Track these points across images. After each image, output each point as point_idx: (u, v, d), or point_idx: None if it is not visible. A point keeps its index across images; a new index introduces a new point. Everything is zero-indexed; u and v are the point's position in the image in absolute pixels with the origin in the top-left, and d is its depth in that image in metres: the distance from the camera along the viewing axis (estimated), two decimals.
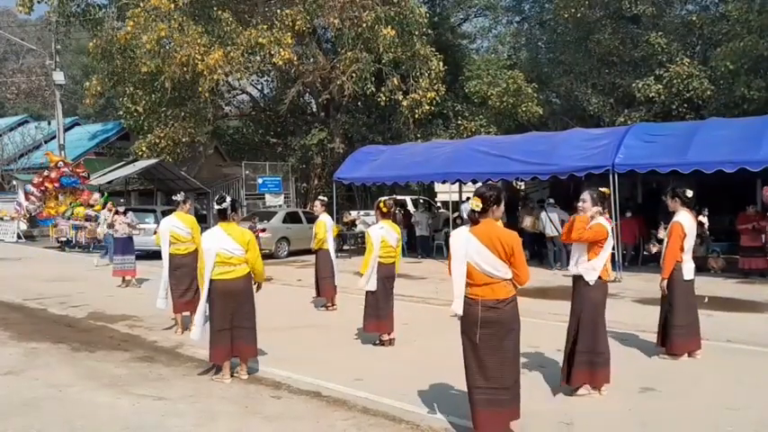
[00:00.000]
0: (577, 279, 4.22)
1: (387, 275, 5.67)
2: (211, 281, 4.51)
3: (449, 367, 3.52)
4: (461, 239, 3.33)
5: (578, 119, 17.71)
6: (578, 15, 16.62)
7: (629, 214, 11.03)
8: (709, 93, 15.41)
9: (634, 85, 16.03)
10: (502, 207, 3.37)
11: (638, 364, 4.96)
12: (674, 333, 5.00)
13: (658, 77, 15.78)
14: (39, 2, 17.30)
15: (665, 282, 5.05)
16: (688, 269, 5.03)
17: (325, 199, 8.34)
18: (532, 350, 5.15)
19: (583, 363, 4.11)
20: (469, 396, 3.40)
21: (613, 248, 4.29)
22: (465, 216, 14.40)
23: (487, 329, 3.28)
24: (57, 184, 16.61)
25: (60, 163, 17.62)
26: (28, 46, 25.43)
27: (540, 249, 11.83)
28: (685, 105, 15.88)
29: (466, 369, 3.41)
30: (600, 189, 4.28)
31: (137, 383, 4.55)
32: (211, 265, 4.49)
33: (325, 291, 7.56)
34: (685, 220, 5.01)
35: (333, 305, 7.56)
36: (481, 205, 3.29)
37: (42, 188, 16.66)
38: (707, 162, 9.30)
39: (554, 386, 4.37)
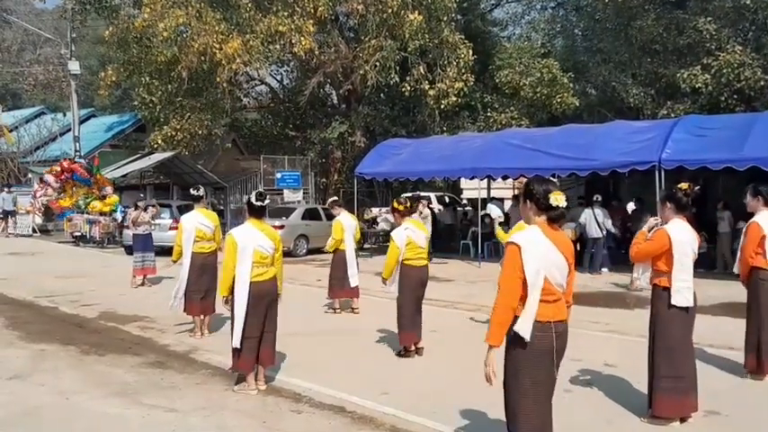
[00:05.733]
0: (653, 293, 3.84)
1: (419, 279, 5.36)
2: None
3: (485, 381, 3.22)
4: (542, 247, 2.73)
5: (616, 111, 17.07)
6: (618, 0, 15.99)
7: None
8: (762, 83, 14.66)
9: (679, 75, 15.32)
10: None
11: (702, 382, 4.56)
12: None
13: (706, 67, 15.05)
14: None
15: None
16: None
17: (336, 198, 8.19)
18: (575, 364, 4.80)
19: (663, 389, 3.72)
20: None
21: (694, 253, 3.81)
22: (494, 216, 13.97)
23: (559, 362, 2.82)
24: (68, 174, 16.77)
25: (78, 158, 17.83)
26: (45, 35, 25.91)
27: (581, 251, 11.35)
28: (735, 97, 15.13)
29: (524, 416, 2.77)
30: (678, 185, 3.83)
31: (147, 392, 4.39)
32: (250, 264, 4.25)
33: (334, 293, 7.43)
34: (766, 220, 4.58)
35: (351, 309, 7.41)
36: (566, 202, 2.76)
37: (62, 178, 16.84)
38: (766, 158, 8.78)
39: (600, 406, 4.04)
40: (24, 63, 34.55)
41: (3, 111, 21.19)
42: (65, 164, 16.87)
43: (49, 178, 16.86)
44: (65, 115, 23.99)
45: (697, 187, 3.97)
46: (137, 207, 9.69)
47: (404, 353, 5.36)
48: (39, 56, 35.45)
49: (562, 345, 2.80)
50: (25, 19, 30.19)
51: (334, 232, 7.39)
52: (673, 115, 14.57)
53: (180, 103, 17.53)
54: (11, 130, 22.00)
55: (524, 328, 2.70)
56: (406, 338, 5.33)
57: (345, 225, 7.39)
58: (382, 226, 15.63)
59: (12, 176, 21.18)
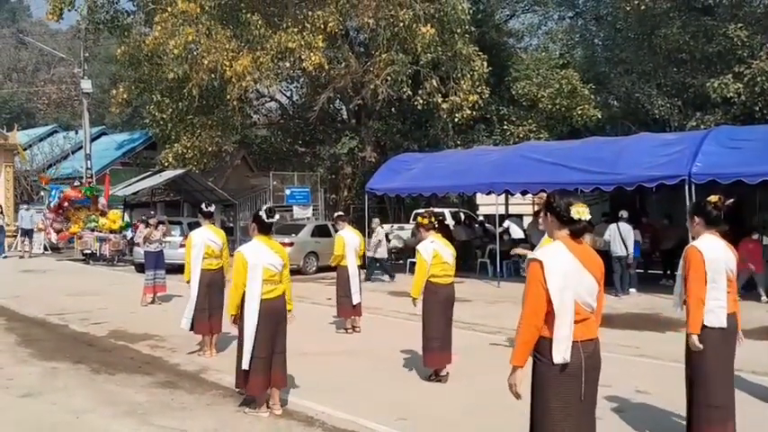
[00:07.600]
0: (686, 313, 3.72)
1: (446, 298, 5.35)
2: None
3: (508, 406, 3.19)
4: (566, 263, 2.70)
5: (641, 123, 16.97)
6: (642, 8, 15.98)
7: (755, 236, 9.67)
8: None
9: (708, 84, 15.17)
10: None
11: (746, 411, 4.39)
12: None
13: (738, 75, 14.90)
14: (69, 10, 18.21)
15: None
16: None
17: (342, 213, 8.38)
18: (604, 390, 4.69)
19: (704, 419, 3.61)
20: None
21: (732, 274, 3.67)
22: (514, 236, 13.86)
23: (590, 382, 2.72)
24: (67, 204, 17.19)
25: (76, 182, 18.29)
26: (59, 55, 26.93)
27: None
28: None
29: None
30: (708, 198, 3.72)
31: (158, 412, 4.45)
32: (260, 282, 4.34)
33: (341, 311, 7.46)
34: None
35: (352, 328, 7.42)
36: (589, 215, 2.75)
37: (60, 212, 17.28)
38: None
39: None
40: (39, 83, 35.84)
41: (17, 130, 21.89)
42: (69, 192, 17.23)
43: (51, 216, 17.27)
44: (77, 133, 24.70)
45: (730, 200, 3.80)
46: (147, 224, 9.88)
47: (434, 377, 5.29)
48: (52, 75, 36.75)
49: (593, 365, 2.74)
50: (40, 40, 31.42)
51: (335, 247, 7.52)
52: (702, 127, 14.41)
53: (190, 121, 17.95)
54: (25, 149, 22.72)
55: (562, 353, 2.64)
56: (431, 361, 5.27)
57: (347, 241, 7.47)
58: (394, 243, 15.65)
59: (25, 194, 21.79)
